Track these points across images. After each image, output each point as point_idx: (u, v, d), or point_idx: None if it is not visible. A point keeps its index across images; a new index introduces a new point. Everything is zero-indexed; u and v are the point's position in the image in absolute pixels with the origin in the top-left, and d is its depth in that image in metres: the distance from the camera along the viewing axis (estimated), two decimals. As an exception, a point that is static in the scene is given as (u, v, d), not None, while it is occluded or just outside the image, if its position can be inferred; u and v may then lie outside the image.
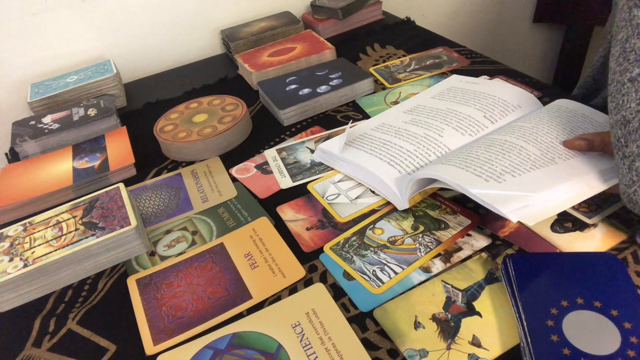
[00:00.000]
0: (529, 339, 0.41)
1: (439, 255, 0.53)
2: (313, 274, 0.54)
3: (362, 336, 0.46)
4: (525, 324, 0.43)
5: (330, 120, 0.80)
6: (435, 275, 0.51)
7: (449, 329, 0.46)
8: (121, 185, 0.65)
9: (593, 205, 0.55)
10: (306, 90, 0.83)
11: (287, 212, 0.63)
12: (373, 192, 0.63)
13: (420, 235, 0.56)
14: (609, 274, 0.46)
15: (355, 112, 0.81)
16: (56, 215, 0.62)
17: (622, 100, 0.44)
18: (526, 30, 1.61)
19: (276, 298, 0.52)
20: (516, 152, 0.53)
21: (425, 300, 0.48)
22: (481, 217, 0.57)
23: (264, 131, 0.80)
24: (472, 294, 0.48)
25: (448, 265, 0.52)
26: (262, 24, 1.09)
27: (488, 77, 0.81)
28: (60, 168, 0.75)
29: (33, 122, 0.85)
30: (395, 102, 0.80)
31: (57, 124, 0.83)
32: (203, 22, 1.10)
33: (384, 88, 0.86)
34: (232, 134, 0.77)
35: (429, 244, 0.54)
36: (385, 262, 0.53)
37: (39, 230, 0.60)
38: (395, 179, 0.59)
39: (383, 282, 0.51)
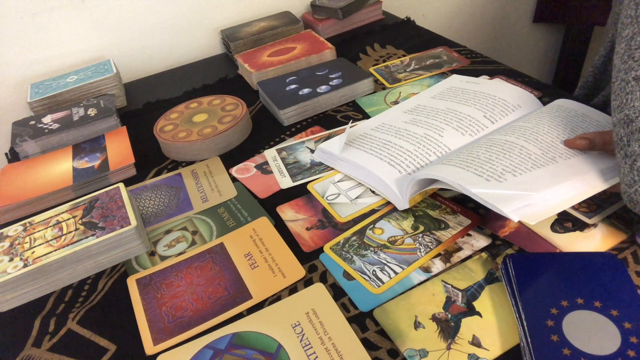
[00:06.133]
0: (529, 339, 0.41)
1: (439, 255, 0.53)
2: (313, 274, 0.54)
3: (362, 336, 0.46)
4: (525, 324, 0.43)
5: (330, 120, 0.80)
6: (435, 275, 0.51)
7: (449, 329, 0.45)
8: (121, 185, 0.65)
9: (593, 205, 0.55)
10: (306, 90, 0.83)
11: (287, 212, 0.63)
12: (373, 192, 0.63)
13: (420, 235, 0.56)
14: (609, 274, 0.46)
15: (355, 112, 0.81)
16: (56, 215, 0.62)
17: (626, 98, 0.44)
18: (526, 30, 1.60)
19: (276, 298, 0.52)
20: (517, 151, 0.53)
21: (425, 300, 0.48)
22: (481, 217, 0.57)
23: (264, 131, 0.80)
24: (472, 294, 0.48)
25: (448, 265, 0.52)
26: (262, 24, 1.09)
27: (488, 77, 0.81)
28: (60, 168, 0.75)
29: (33, 122, 0.85)
30: (395, 102, 0.80)
31: (57, 123, 0.83)
32: (203, 22, 1.10)
33: (384, 88, 0.86)
34: (232, 134, 0.77)
35: (429, 244, 0.54)
36: (385, 262, 0.53)
37: (39, 230, 0.60)
38: (395, 179, 0.59)
39: (383, 282, 0.51)
